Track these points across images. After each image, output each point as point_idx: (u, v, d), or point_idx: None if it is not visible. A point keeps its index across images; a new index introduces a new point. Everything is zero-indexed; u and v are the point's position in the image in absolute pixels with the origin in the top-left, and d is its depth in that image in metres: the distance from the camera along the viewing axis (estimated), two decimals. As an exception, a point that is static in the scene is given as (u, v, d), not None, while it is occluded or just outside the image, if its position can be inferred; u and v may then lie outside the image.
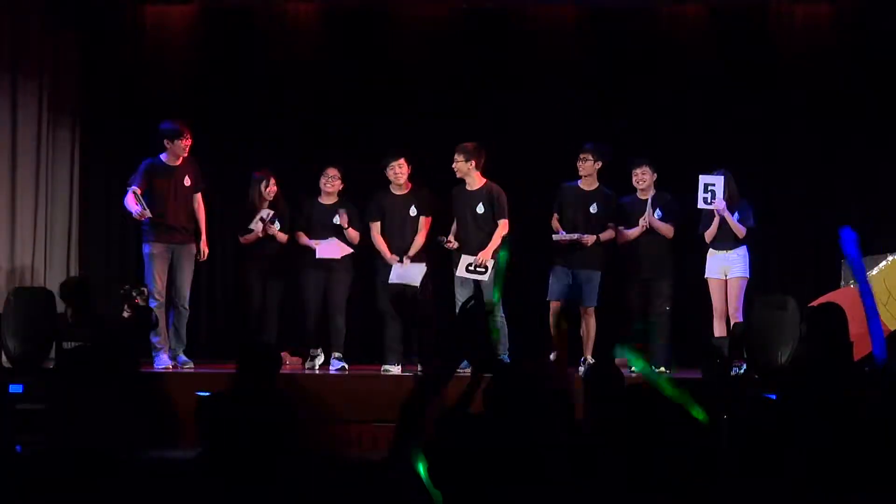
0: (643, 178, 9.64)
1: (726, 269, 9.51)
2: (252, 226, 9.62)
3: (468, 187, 9.55)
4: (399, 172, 9.55)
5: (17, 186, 10.32)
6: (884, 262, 9.22)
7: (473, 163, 9.45)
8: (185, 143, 9.47)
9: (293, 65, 11.05)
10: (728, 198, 9.41)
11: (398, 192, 9.64)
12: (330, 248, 9.59)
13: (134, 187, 9.31)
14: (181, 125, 9.51)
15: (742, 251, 9.48)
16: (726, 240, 9.49)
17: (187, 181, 9.55)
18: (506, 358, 9.38)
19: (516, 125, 10.91)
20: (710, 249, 9.58)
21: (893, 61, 10.54)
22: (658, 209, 9.66)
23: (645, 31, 10.95)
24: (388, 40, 11.03)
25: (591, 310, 9.63)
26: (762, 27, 10.88)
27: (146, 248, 9.47)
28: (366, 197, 9.81)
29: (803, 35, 10.84)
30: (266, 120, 11.03)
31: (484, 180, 9.53)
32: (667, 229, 9.63)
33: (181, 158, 9.51)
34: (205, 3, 11.01)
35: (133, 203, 9.28)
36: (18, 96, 10.35)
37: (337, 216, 9.62)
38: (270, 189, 9.71)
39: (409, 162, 9.58)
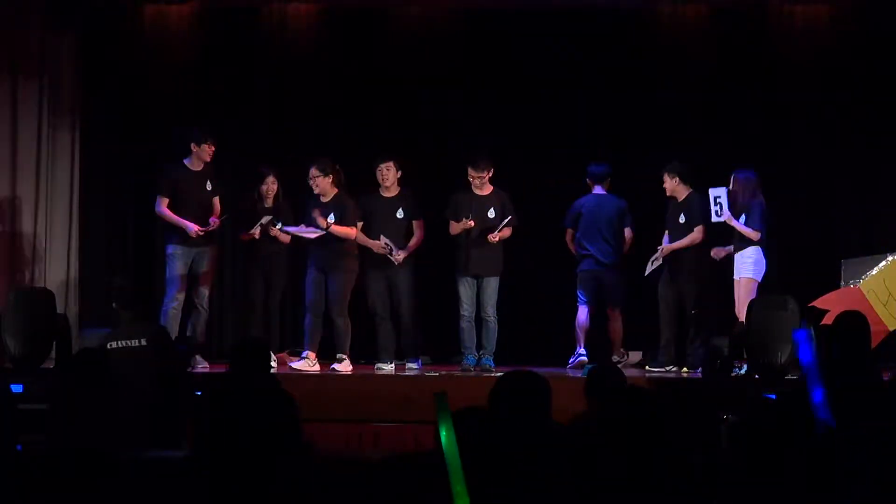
0: (666, 187, 9.75)
1: (737, 269, 9.54)
2: (253, 231, 9.66)
3: (479, 192, 9.60)
4: (386, 175, 9.56)
5: (18, 186, 10.32)
6: (884, 262, 9.21)
7: (491, 171, 9.59)
8: (210, 149, 9.53)
9: (293, 65, 11.05)
10: (733, 200, 9.42)
11: (385, 195, 9.66)
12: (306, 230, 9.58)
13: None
14: (208, 132, 9.57)
15: (751, 252, 9.46)
16: (738, 241, 9.52)
17: (208, 185, 9.61)
18: (490, 361, 9.40)
19: (516, 126, 10.91)
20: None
21: (893, 61, 10.55)
22: (682, 214, 9.71)
23: (645, 31, 10.95)
24: (387, 41, 11.03)
25: (616, 311, 9.87)
26: (762, 27, 10.88)
27: (169, 249, 9.54)
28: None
29: (803, 35, 10.84)
30: (265, 120, 11.03)
31: (492, 187, 9.65)
32: (690, 239, 9.66)
33: (203, 164, 9.56)
34: (205, 3, 11.01)
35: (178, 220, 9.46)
36: (18, 96, 10.35)
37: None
38: (270, 188, 9.74)
39: (398, 165, 9.60)
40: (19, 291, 9.28)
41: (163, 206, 9.47)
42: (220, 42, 11.03)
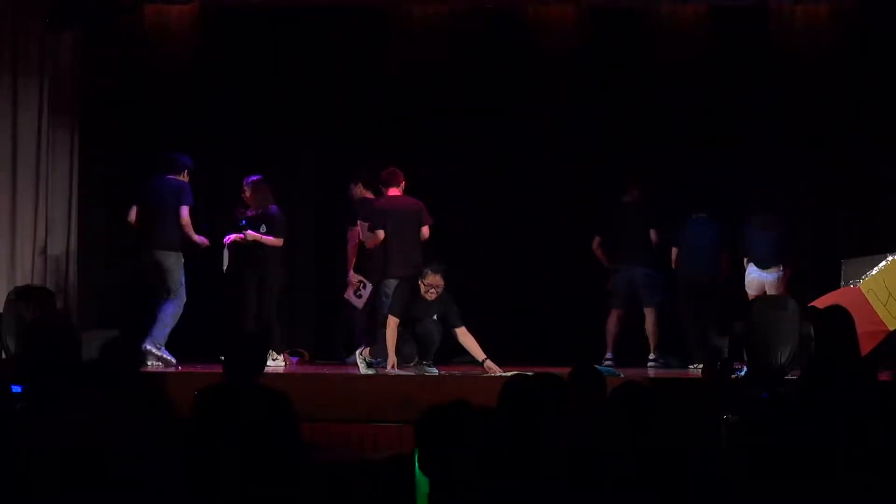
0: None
1: (764, 283, 9.89)
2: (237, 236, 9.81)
3: None
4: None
5: (18, 186, 10.31)
6: (884, 262, 9.19)
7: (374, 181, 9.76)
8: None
9: (292, 65, 11.04)
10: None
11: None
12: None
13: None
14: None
15: (779, 270, 9.94)
16: (767, 258, 9.89)
17: None
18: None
19: (515, 126, 10.91)
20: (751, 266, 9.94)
21: (893, 61, 10.55)
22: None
23: (645, 30, 10.95)
24: (388, 41, 11.03)
25: (651, 309, 10.13)
26: (762, 27, 10.88)
27: (173, 255, 9.69)
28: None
29: (803, 35, 10.84)
30: (265, 120, 11.03)
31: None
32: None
33: None
34: (204, 3, 11.01)
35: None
36: (18, 96, 10.34)
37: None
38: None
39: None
40: (19, 291, 9.28)
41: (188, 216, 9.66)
42: (219, 42, 11.03)
